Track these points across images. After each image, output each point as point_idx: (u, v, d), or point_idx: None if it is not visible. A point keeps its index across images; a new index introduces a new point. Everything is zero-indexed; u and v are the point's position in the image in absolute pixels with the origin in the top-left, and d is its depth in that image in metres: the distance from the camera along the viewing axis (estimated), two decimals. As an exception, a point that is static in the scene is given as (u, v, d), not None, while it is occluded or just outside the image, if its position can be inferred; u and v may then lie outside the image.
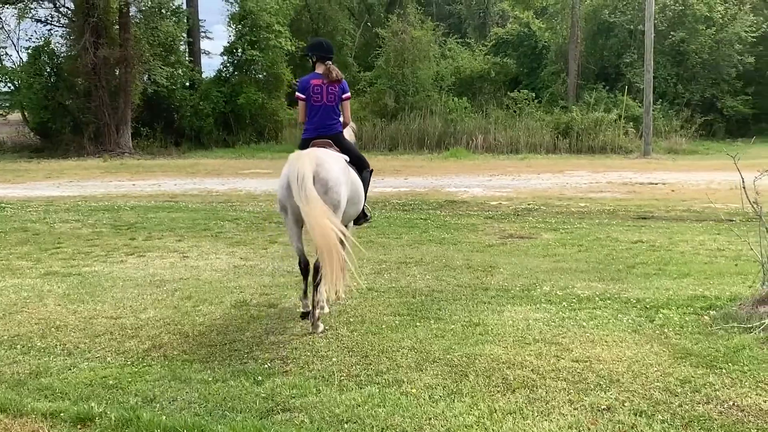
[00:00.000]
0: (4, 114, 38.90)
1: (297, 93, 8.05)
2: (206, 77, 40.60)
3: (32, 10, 36.91)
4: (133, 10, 35.29)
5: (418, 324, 7.13)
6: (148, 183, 22.82)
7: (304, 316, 7.39)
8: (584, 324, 6.92)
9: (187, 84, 39.39)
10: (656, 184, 20.25)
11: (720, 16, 37.68)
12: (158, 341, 7.04)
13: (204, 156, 34.04)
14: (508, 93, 38.35)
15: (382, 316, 7.47)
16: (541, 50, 41.93)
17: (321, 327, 7.16)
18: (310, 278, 7.44)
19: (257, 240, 12.46)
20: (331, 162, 7.25)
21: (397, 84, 37.91)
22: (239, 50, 38.40)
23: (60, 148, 34.63)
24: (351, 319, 7.42)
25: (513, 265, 9.94)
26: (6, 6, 36.56)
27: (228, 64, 40.05)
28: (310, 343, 6.80)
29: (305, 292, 7.54)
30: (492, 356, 6.16)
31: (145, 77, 37.76)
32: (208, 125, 37.89)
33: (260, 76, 38.80)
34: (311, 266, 7.40)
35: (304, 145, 7.81)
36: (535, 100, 36.94)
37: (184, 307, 8.09)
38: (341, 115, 8.16)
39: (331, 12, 46.84)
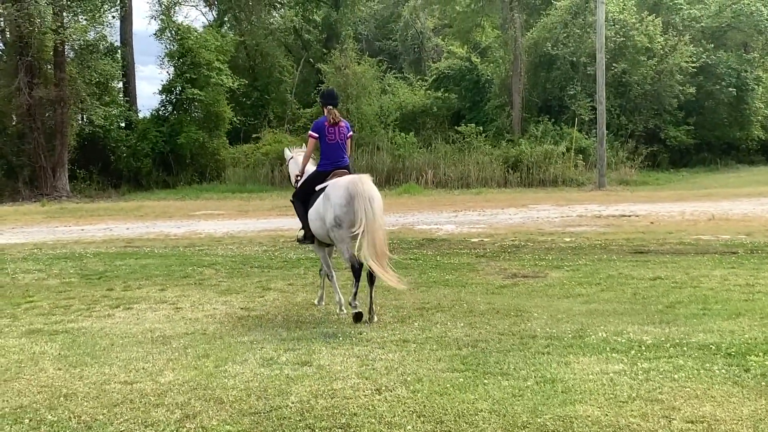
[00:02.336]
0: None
1: (311, 132, 9.70)
2: (143, 117, 39.47)
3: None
4: (67, 48, 34.06)
5: (485, 381, 6.41)
6: (98, 228, 21.68)
7: (358, 317, 8.92)
8: (674, 376, 6.28)
9: (123, 124, 38.21)
10: (629, 216, 19.96)
11: (660, 47, 38.21)
12: (190, 410, 6.18)
13: (146, 198, 32.86)
14: (455, 127, 38.06)
15: (438, 372, 6.72)
16: (484, 84, 41.85)
17: (375, 318, 8.95)
18: (362, 282, 9.01)
19: (247, 287, 11.62)
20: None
21: (341, 120, 37.24)
22: (178, 88, 37.40)
23: (-6, 195, 33.13)
24: (404, 377, 6.66)
25: (542, 308, 9.31)
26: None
27: (166, 103, 39.01)
28: (370, 407, 6.02)
29: (356, 295, 9.05)
30: (590, 419, 5.47)
31: (80, 117, 36.54)
32: (146, 166, 36.76)
33: (200, 114, 37.77)
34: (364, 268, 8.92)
35: (322, 176, 9.52)
36: (482, 134, 36.68)
37: (205, 368, 7.23)
38: (347, 150, 9.86)
39: (268, 48, 46.20)
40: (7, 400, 6.59)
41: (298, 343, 8.00)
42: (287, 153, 11.25)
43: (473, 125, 37.22)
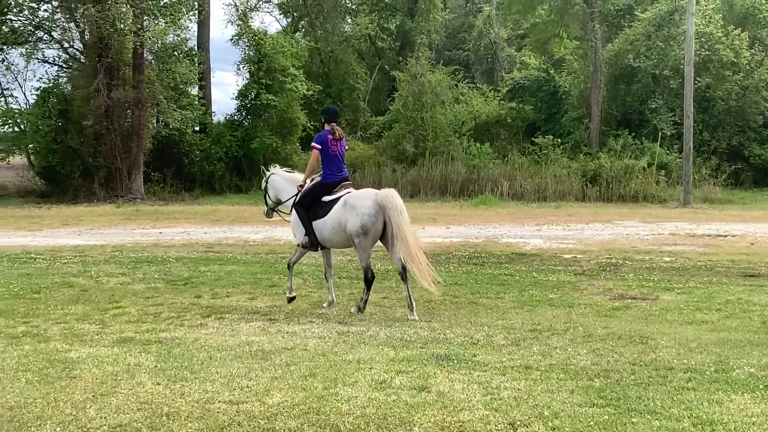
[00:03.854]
0: (3, 158, 37.29)
1: (314, 144, 10.33)
2: (217, 121, 39.36)
3: (40, 51, 35.80)
4: (146, 51, 34.10)
5: (633, 419, 5.76)
6: (175, 231, 21.42)
7: (359, 310, 10.16)
8: None
9: (197, 128, 38.15)
10: (725, 236, 19.02)
11: (747, 62, 36.84)
12: (305, 438, 5.68)
13: (219, 202, 32.65)
14: (531, 138, 37.20)
15: (574, 407, 6.10)
16: (561, 95, 40.90)
17: (415, 316, 9.81)
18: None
19: (339, 299, 11.09)
20: None
21: (416, 129, 36.73)
22: (253, 93, 37.20)
23: (68, 193, 33.20)
24: (538, 410, 6.04)
25: (667, 335, 8.61)
26: (13, 46, 35.30)
27: (241, 108, 38.87)
28: (506, 442, 5.43)
29: (366, 303, 10.24)
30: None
31: (156, 120, 36.58)
32: (219, 170, 36.58)
33: (274, 120, 37.49)
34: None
35: (329, 186, 10.33)
36: (560, 147, 35.78)
37: (314, 389, 6.70)
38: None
39: (342, 55, 45.87)
40: (104, 417, 6.17)
41: (409, 364, 7.43)
42: (267, 173, 11.44)
43: (550, 137, 36.32)
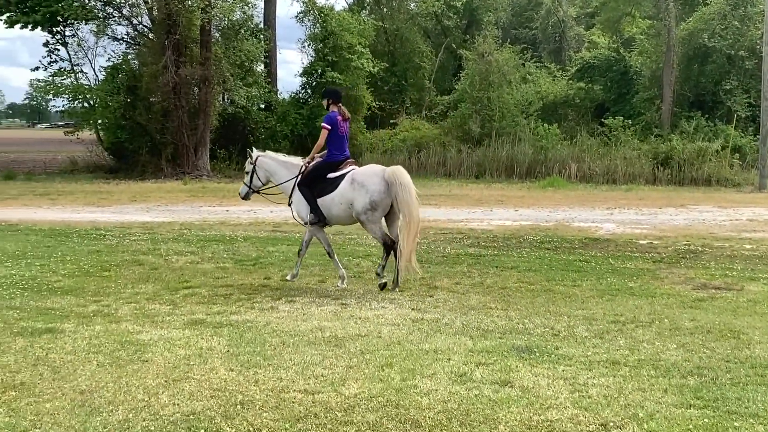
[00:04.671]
0: (73, 132, 37.76)
1: (325, 124, 10.63)
2: (282, 99, 39.28)
3: (110, 28, 36.06)
4: (213, 28, 34.12)
5: (736, 423, 5.40)
6: (242, 209, 21.32)
7: (383, 286, 10.37)
8: None
9: (263, 106, 38.13)
10: (808, 223, 18.30)
11: (829, 41, 35.47)
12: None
13: (284, 180, 32.54)
14: (602, 120, 36.38)
15: (669, 408, 5.75)
16: (632, 76, 39.92)
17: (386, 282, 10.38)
18: (391, 256, 10.52)
19: (410, 283, 10.84)
20: None
21: (482, 108, 36.18)
22: (318, 71, 37.02)
23: (136, 169, 33.49)
24: (630, 410, 5.70)
25: (759, 330, 8.16)
26: (84, 23, 35.62)
27: (306, 86, 38.75)
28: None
29: (384, 267, 10.54)
30: None
31: (222, 97, 36.62)
32: (285, 148, 36.30)
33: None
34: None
35: (335, 165, 10.68)
36: (630, 128, 34.92)
37: (391, 380, 6.46)
38: None
39: (408, 33, 45.47)
40: (177, 404, 6.01)
41: (489, 356, 7.14)
42: (253, 154, 11.49)
43: (620, 118, 35.45)
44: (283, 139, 36.29)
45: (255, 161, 11.35)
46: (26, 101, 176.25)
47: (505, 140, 34.70)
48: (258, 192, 11.53)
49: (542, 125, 35.60)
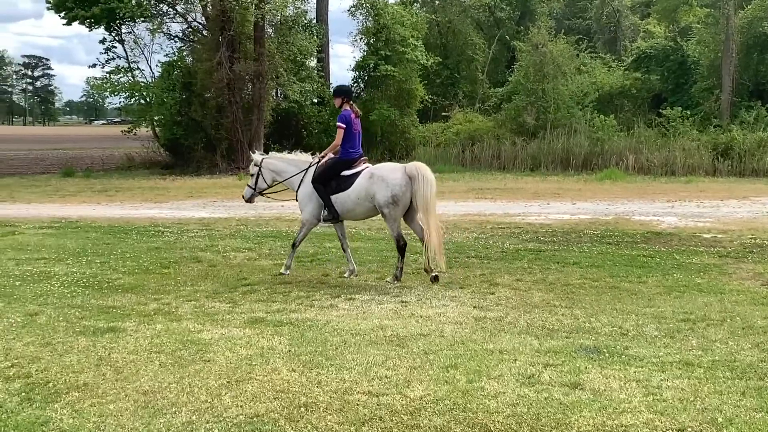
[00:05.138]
0: (131, 129, 38.15)
1: (340, 123, 10.79)
2: (335, 92, 39.20)
3: (165, 25, 36.36)
4: (266, 23, 34.20)
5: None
6: (296, 205, 21.27)
7: (396, 279, 10.59)
8: None
9: (315, 100, 38.14)
10: None
11: None
12: (451, 436, 5.29)
13: (338, 174, 32.50)
14: (660, 110, 35.74)
15: (749, 412, 5.52)
16: (690, 65, 39.17)
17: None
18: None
19: (471, 280, 10.67)
20: None
21: (536, 100, 35.77)
22: (371, 65, 36.89)
23: (191, 164, 33.73)
24: (707, 415, 5.48)
25: (838, 329, 7.85)
26: (140, 21, 35.95)
27: (359, 80, 38.69)
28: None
29: (401, 270, 10.71)
30: None
31: (276, 93, 36.70)
32: (338, 142, 36.48)
33: (392, 91, 37.12)
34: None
35: (350, 162, 10.85)
36: (688, 119, 34.24)
37: (457, 382, 6.31)
38: None
39: (461, 26, 45.20)
40: (240, 405, 5.93)
41: (556, 356, 6.95)
42: (257, 157, 11.75)
43: (678, 109, 34.78)
44: (336, 133, 36.17)
45: (260, 164, 11.52)
46: (83, 98, 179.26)
47: (561, 132, 34.30)
48: (262, 194, 11.76)
49: (598, 116, 35.16)
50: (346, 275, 11.11)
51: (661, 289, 9.91)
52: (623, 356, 6.93)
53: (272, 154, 11.80)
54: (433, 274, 10.41)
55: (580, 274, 11.00)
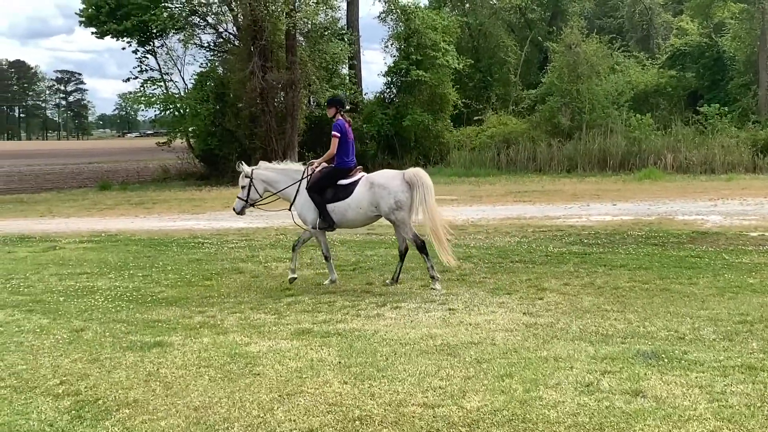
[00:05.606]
0: (168, 142, 38.33)
1: (335, 132, 10.83)
2: (367, 99, 39.20)
3: (196, 36, 36.54)
4: (297, 32, 34.24)
5: None
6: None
7: (434, 278, 10.65)
8: None
9: (348, 107, 38.02)
10: None
11: None
12: (512, 449, 5.14)
13: (372, 181, 32.36)
14: (696, 108, 35.28)
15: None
16: (726, 62, 38.64)
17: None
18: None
19: (518, 286, 10.48)
20: None
21: (571, 101, 35.45)
22: (403, 70, 36.78)
23: (227, 175, 33.73)
24: (779, 421, 5.29)
25: None
26: (172, 33, 36.17)
27: (391, 85, 38.59)
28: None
29: (432, 267, 10.73)
30: None
31: (308, 101, 36.70)
32: (372, 149, 36.47)
33: (425, 96, 36.99)
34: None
35: (346, 171, 10.95)
36: (726, 115, 33.74)
37: (513, 392, 6.15)
38: None
39: (492, 28, 44.98)
40: (293, 420, 5.82)
41: (614, 363, 6.77)
42: (245, 168, 11.54)
43: (716, 105, 34.30)
44: (369, 140, 36.23)
45: (251, 176, 11.39)
46: (116, 112, 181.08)
47: (597, 132, 33.94)
48: (254, 205, 11.60)
49: (634, 116, 34.74)
50: (326, 282, 11.20)
51: (714, 291, 9.68)
52: (683, 361, 6.73)
53: (262, 164, 11.65)
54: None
55: (628, 276, 10.79)
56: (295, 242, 11.60)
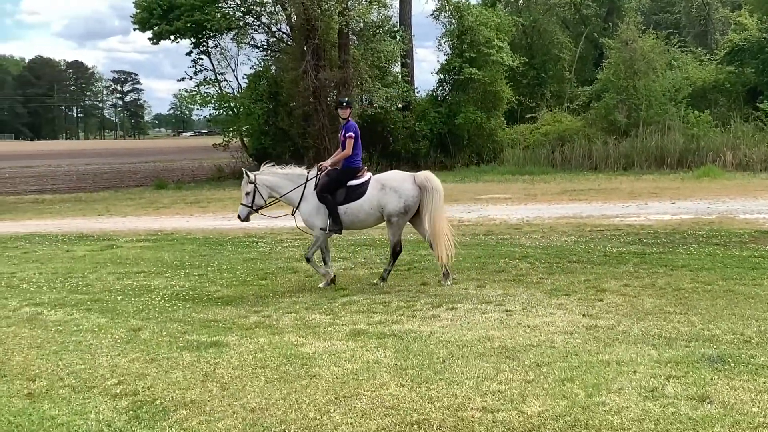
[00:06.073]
0: (225, 144, 38.67)
1: (351, 133, 11.02)
2: (420, 98, 39.04)
3: (249, 36, 36.77)
4: (350, 30, 34.26)
5: None
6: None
7: (383, 280, 11.04)
8: None
9: (400, 105, 37.98)
10: None
11: None
12: (575, 457, 4.99)
13: (426, 180, 32.18)
14: (756, 104, 34.50)
15: None
16: (787, 57, 37.73)
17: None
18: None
19: (576, 287, 10.28)
20: None
21: (627, 98, 34.91)
22: (456, 68, 36.53)
23: (279, 174, 33.92)
24: None
25: None
26: (225, 32, 36.45)
27: (443, 83, 38.39)
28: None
29: (389, 273, 11.22)
30: None
31: (361, 99, 36.67)
32: (424, 147, 36.34)
33: (478, 94, 36.72)
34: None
35: (355, 171, 11.07)
36: (790, 112, 32.93)
37: (575, 397, 6.00)
38: None
39: (546, 25, 44.50)
40: (350, 423, 5.75)
41: (678, 367, 6.58)
42: (249, 174, 11.29)
43: (781, 101, 33.50)
44: (422, 138, 36.09)
45: (255, 182, 11.14)
46: (171, 111, 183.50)
47: (654, 130, 33.37)
48: (257, 211, 11.36)
49: (692, 112, 34.08)
50: (321, 285, 11.07)
51: (783, 292, 9.39)
52: (750, 366, 6.52)
53: (264, 169, 11.45)
54: (445, 271, 10.91)
55: (690, 277, 10.53)
56: (305, 253, 11.50)
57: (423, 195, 10.76)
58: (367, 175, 11.04)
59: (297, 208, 11.19)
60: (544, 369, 6.72)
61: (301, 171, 11.42)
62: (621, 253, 12.81)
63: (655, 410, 5.64)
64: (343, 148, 11.04)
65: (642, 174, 30.50)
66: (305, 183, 11.10)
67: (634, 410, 5.66)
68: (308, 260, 11.27)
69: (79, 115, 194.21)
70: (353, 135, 10.98)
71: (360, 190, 10.90)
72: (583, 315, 8.68)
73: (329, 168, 11.14)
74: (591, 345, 7.42)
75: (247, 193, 11.19)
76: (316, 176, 11.09)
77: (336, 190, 10.94)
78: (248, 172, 11.30)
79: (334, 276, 11.24)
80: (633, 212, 18.55)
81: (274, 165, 11.57)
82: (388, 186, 10.83)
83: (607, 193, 23.65)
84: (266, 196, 11.24)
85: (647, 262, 11.88)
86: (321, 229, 11.06)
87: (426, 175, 10.94)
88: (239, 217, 11.40)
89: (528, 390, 6.22)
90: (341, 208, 10.88)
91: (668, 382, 6.22)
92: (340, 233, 11.33)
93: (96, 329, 8.91)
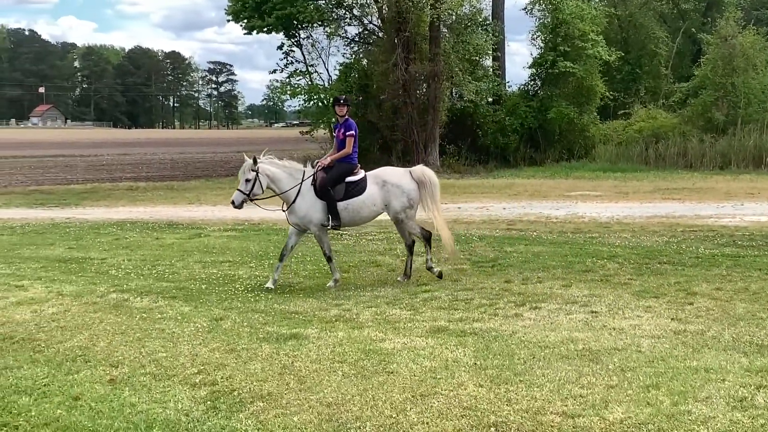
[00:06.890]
0: (309, 131, 39.05)
1: (352, 131, 11.03)
2: (511, 92, 38.61)
3: (341, 28, 36.97)
4: (441, 23, 34.09)
5: None
6: (473, 206, 21.04)
7: (440, 275, 11.07)
8: None
9: (490, 99, 37.63)
10: None
11: None
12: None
13: (514, 175, 31.96)
14: None
15: None
16: None
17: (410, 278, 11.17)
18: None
19: (665, 289, 9.96)
20: None
21: (726, 95, 33.88)
22: (549, 62, 35.98)
23: (368, 167, 33.96)
24: None
25: None
26: (318, 25, 36.72)
27: (536, 77, 37.88)
28: None
29: (430, 259, 11.26)
30: None
31: (451, 93, 36.45)
32: (514, 142, 35.96)
33: (571, 88, 36.10)
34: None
35: (353, 167, 11.05)
36: None
37: (659, 404, 5.79)
38: None
39: (643, 19, 43.51)
40: (426, 422, 5.67)
41: (769, 377, 6.28)
42: (250, 161, 10.90)
43: None
44: (512, 132, 35.70)
45: (256, 169, 10.83)
46: (264, 102, 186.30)
47: (753, 128, 32.39)
48: (252, 200, 11.05)
49: (796, 111, 32.92)
50: (268, 286, 10.73)
51: None
52: None
53: (264, 158, 11.12)
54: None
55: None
56: (324, 254, 11.32)
57: (421, 189, 10.99)
58: (362, 172, 11.06)
59: (293, 203, 10.90)
60: (629, 374, 6.50)
61: (299, 166, 11.23)
62: (714, 255, 12.39)
63: (744, 421, 5.39)
64: (343, 147, 10.97)
65: (739, 173, 29.63)
66: (302, 180, 10.88)
67: (722, 421, 5.42)
68: (329, 260, 11.16)
69: (175, 104, 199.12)
70: (353, 133, 11.01)
71: (359, 187, 10.92)
72: (672, 319, 8.39)
73: (327, 164, 11.03)
74: (679, 350, 7.16)
75: (248, 180, 10.85)
76: (314, 174, 10.94)
77: (335, 186, 10.87)
78: (256, 157, 11.01)
79: (339, 276, 11.12)
80: (728, 213, 17.99)
81: (272, 156, 11.37)
82: (390, 183, 10.97)
83: (701, 192, 23.01)
84: (264, 186, 10.94)
85: (741, 265, 11.45)
86: (320, 224, 10.97)
87: (422, 170, 11.18)
88: (233, 203, 10.96)
89: (611, 395, 6.02)
90: (341, 204, 10.83)
91: (758, 392, 5.95)
92: (339, 229, 11.37)
93: (179, 317, 9.01)
